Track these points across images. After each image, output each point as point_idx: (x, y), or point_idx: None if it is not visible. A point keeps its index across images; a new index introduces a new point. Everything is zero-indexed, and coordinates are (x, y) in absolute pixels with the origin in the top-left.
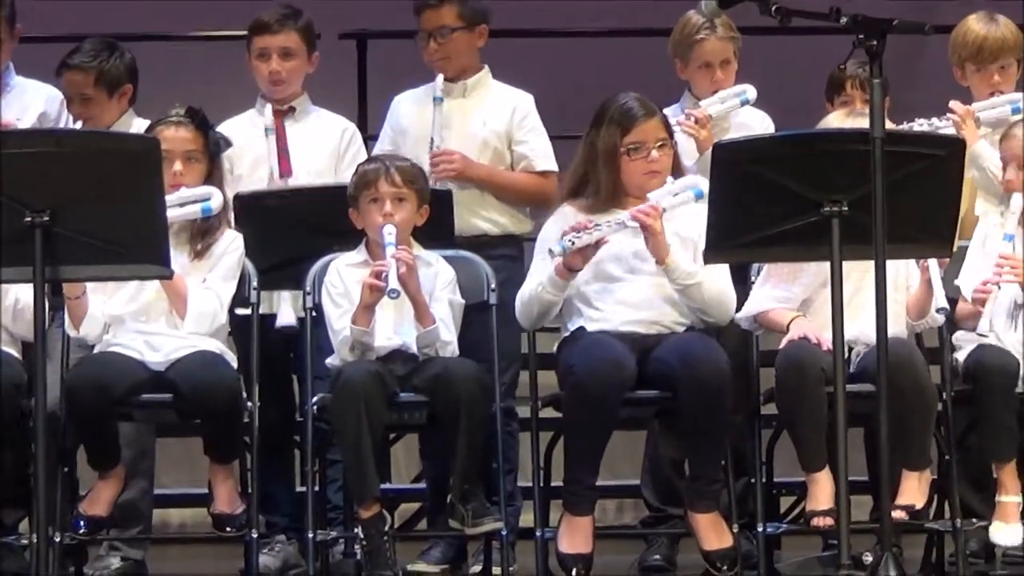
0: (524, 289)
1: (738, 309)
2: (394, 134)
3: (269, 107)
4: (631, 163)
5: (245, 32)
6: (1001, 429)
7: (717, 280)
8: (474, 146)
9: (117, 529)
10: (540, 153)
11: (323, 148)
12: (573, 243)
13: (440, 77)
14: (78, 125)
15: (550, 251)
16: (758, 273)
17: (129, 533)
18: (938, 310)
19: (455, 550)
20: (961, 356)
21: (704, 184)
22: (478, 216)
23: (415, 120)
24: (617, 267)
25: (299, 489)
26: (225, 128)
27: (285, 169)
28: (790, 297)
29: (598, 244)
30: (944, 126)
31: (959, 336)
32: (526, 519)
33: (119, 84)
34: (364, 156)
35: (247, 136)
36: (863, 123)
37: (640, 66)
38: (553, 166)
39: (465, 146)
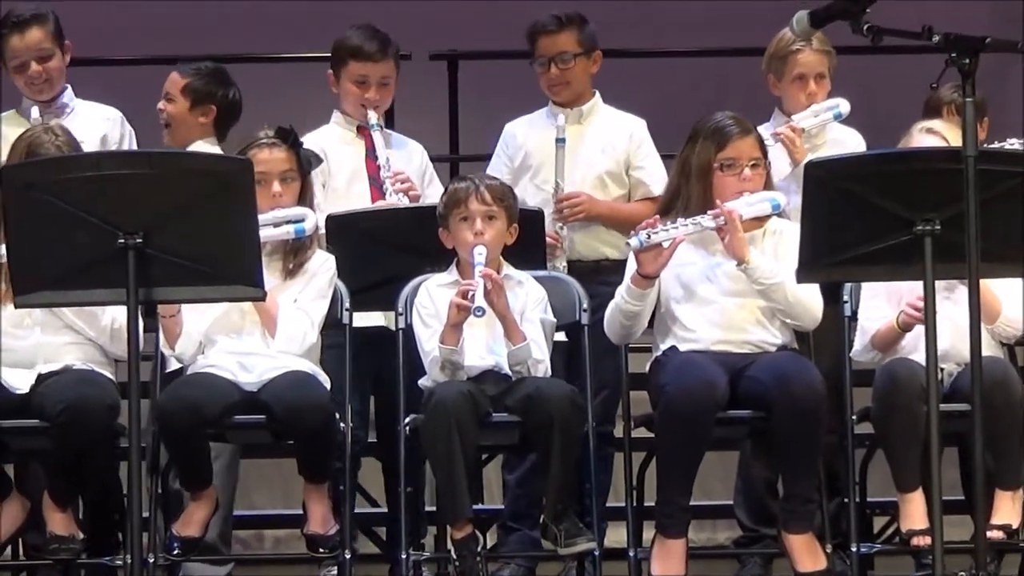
0: (610, 303)
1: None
2: (512, 164)
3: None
4: (724, 179)
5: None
6: None
7: None
8: (594, 173)
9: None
10: (657, 178)
11: (408, 170)
12: (650, 237)
13: (561, 117)
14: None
15: (627, 244)
16: (851, 294)
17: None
18: None
19: (526, 571)
20: None
21: (782, 199)
22: (599, 240)
23: (535, 154)
24: (709, 288)
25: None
26: (311, 140)
27: (376, 195)
28: (885, 315)
29: (673, 246)
30: None
31: None
32: (618, 539)
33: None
34: (436, 179)
35: (340, 151)
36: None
37: (728, 87)
38: None
39: (585, 174)
